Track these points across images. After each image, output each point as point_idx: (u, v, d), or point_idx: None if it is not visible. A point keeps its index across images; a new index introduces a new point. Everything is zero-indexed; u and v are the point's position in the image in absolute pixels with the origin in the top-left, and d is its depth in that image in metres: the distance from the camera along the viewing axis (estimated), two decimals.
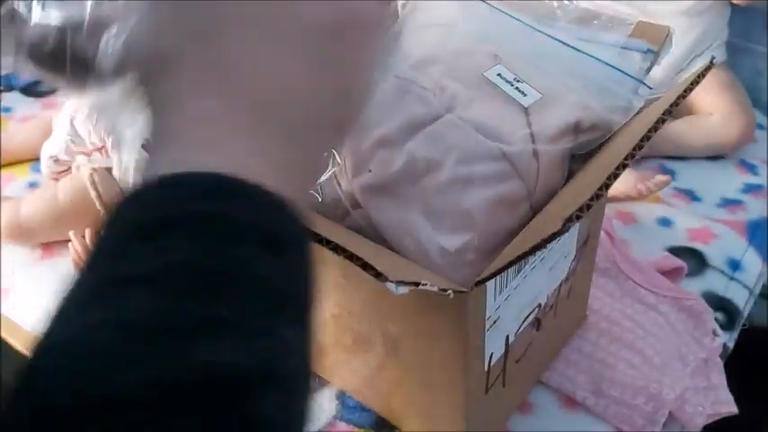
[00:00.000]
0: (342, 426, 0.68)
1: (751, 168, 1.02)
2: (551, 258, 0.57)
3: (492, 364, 0.56)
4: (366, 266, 0.43)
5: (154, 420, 0.19)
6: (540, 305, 0.59)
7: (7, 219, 0.85)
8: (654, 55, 0.59)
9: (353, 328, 0.60)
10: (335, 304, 0.60)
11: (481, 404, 0.59)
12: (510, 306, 0.54)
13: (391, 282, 0.42)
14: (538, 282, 0.57)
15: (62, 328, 0.22)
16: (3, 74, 1.20)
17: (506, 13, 0.63)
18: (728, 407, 0.69)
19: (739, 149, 1.03)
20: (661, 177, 0.93)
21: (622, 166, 0.42)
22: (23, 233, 0.86)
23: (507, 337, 0.56)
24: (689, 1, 1.02)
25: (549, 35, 0.62)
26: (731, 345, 0.78)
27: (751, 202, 0.95)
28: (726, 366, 0.73)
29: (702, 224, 0.91)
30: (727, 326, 0.79)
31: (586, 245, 0.63)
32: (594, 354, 0.71)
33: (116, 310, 0.21)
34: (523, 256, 0.39)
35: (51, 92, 1.17)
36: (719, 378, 0.71)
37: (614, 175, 0.41)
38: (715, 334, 0.75)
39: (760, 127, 1.07)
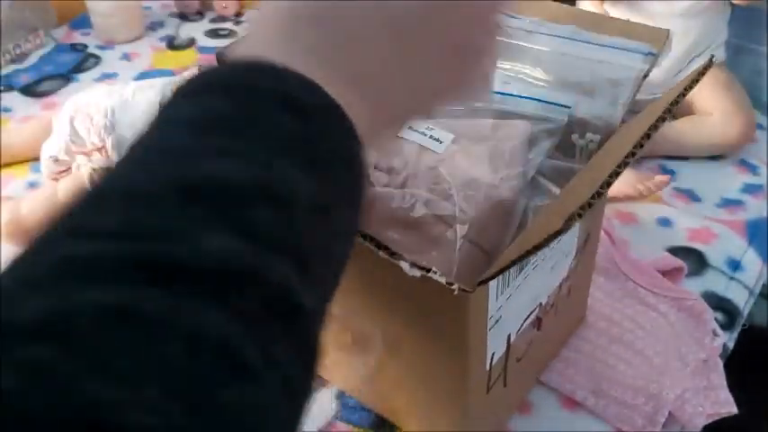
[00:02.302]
0: (342, 426, 0.68)
1: (751, 168, 1.02)
2: (552, 257, 0.57)
3: (493, 363, 0.56)
4: (380, 246, 0.43)
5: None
6: (540, 304, 0.59)
7: (7, 219, 0.85)
8: (654, 57, 0.59)
9: (354, 328, 0.60)
10: (335, 304, 0.60)
11: (482, 404, 0.59)
12: (512, 305, 0.54)
13: (405, 261, 0.42)
14: (539, 281, 0.57)
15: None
16: (3, 74, 1.20)
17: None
18: (728, 407, 0.69)
19: (739, 149, 1.03)
20: (661, 177, 0.93)
21: (623, 165, 0.42)
22: (23, 233, 0.86)
23: (509, 336, 0.56)
24: (688, 1, 1.02)
25: (548, 34, 0.62)
26: (731, 345, 0.78)
27: (751, 202, 0.95)
28: (726, 366, 0.73)
29: (702, 224, 0.91)
30: (727, 326, 0.79)
31: (586, 244, 0.63)
32: (594, 354, 0.71)
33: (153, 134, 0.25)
34: (526, 255, 0.39)
35: (51, 92, 1.17)
36: (719, 378, 0.71)
37: (615, 174, 0.41)
38: (715, 334, 0.75)
39: (760, 127, 1.07)
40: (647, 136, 0.43)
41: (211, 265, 0.21)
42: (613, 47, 0.60)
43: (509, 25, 0.64)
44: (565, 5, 0.65)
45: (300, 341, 0.24)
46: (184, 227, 0.21)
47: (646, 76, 0.59)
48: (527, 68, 0.61)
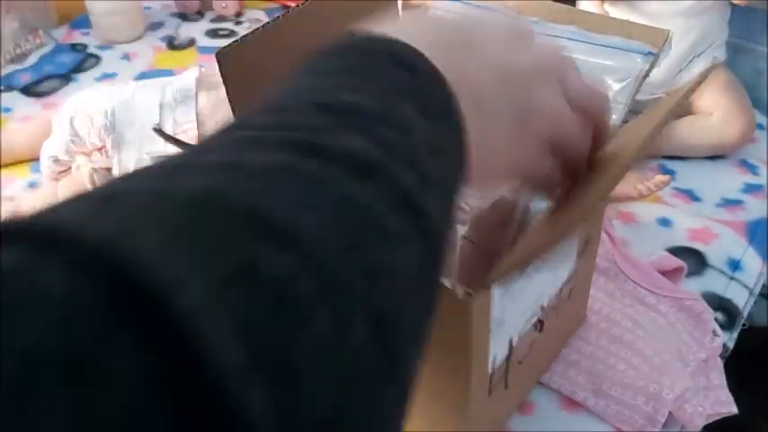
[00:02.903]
0: None
1: (751, 168, 1.02)
2: (554, 260, 0.57)
3: (495, 366, 0.56)
4: None
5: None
6: (542, 307, 0.59)
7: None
8: (654, 57, 0.59)
9: None
10: None
11: (483, 406, 0.59)
12: (514, 308, 0.54)
13: None
14: (541, 283, 0.57)
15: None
16: (3, 74, 1.20)
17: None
18: (728, 407, 0.69)
19: (739, 149, 1.03)
20: (661, 177, 0.93)
21: (626, 168, 0.42)
22: None
23: (511, 339, 0.56)
24: (688, 1, 1.02)
25: (547, 35, 0.62)
26: (731, 345, 0.78)
27: (751, 202, 0.95)
28: (726, 366, 0.73)
29: (702, 224, 0.91)
30: (727, 326, 0.79)
31: (587, 247, 0.63)
32: (594, 354, 0.71)
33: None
34: (530, 258, 0.39)
35: (51, 92, 1.17)
36: (719, 378, 0.71)
37: (619, 177, 0.41)
38: (715, 334, 0.75)
39: (760, 127, 1.07)
40: (652, 138, 0.43)
41: (350, 152, 0.24)
42: (613, 47, 0.60)
43: None
44: (564, 5, 0.65)
45: (425, 233, 0.26)
46: (325, 126, 0.25)
47: (646, 75, 0.59)
48: None
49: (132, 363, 0.15)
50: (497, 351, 0.55)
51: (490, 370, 0.56)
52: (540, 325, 0.61)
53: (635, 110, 0.59)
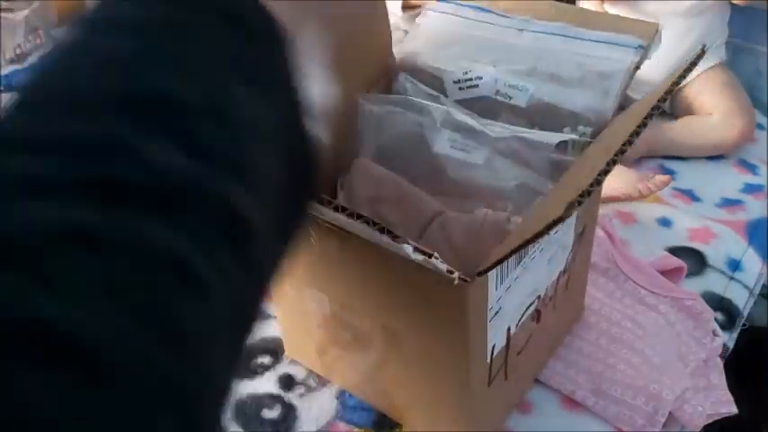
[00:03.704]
0: (342, 426, 0.68)
1: (751, 168, 1.02)
2: (550, 249, 0.57)
3: (494, 355, 0.56)
4: (383, 230, 0.43)
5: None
6: (539, 297, 0.59)
7: None
8: (644, 50, 0.60)
9: (353, 325, 0.60)
10: (335, 301, 0.60)
11: (483, 397, 0.59)
12: (511, 297, 0.54)
13: (408, 245, 0.42)
14: (537, 272, 0.57)
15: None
16: (3, 74, 1.20)
17: (492, 13, 0.64)
18: (728, 407, 0.69)
19: (739, 149, 1.03)
20: (661, 177, 0.93)
21: (620, 152, 0.42)
22: None
23: (509, 328, 0.56)
24: (688, 1, 1.01)
25: (537, 32, 0.62)
26: (731, 345, 0.78)
27: (751, 202, 0.95)
28: (726, 366, 0.73)
29: (702, 224, 0.91)
30: (727, 326, 0.79)
31: (583, 236, 0.63)
32: (594, 354, 0.71)
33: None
34: (525, 244, 0.39)
35: None
36: (719, 378, 0.71)
37: (613, 162, 0.42)
38: (715, 334, 0.75)
39: (760, 127, 1.07)
40: (644, 123, 0.44)
41: (155, 181, 0.20)
42: (602, 41, 0.60)
43: (499, 24, 0.64)
44: (557, 3, 0.65)
45: (248, 258, 0.23)
46: (127, 141, 0.21)
47: (637, 68, 0.59)
48: (518, 66, 0.62)
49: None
50: (496, 341, 0.55)
51: (489, 360, 0.56)
52: (537, 315, 0.61)
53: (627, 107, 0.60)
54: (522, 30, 0.63)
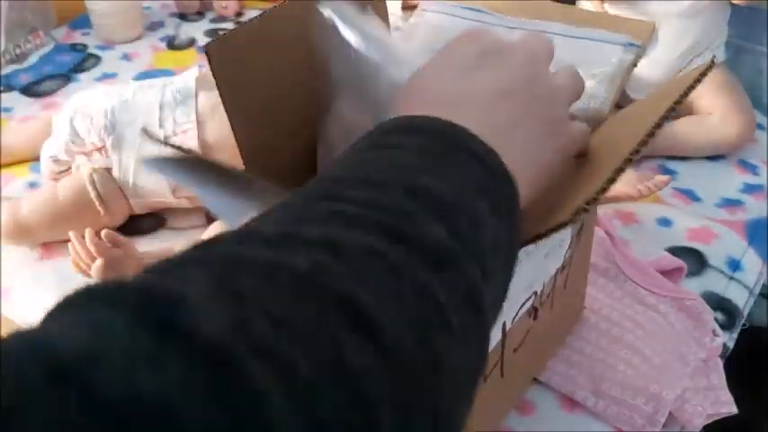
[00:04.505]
0: None
1: (751, 168, 1.02)
2: (546, 245, 0.57)
3: (489, 350, 0.56)
4: None
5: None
6: (536, 293, 0.59)
7: (7, 219, 0.85)
8: (638, 48, 0.59)
9: None
10: None
11: (479, 394, 0.59)
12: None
13: None
14: (533, 268, 0.57)
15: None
16: (3, 74, 1.20)
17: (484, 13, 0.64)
18: (728, 407, 0.69)
19: (739, 149, 1.03)
20: (661, 177, 0.93)
21: (627, 162, 0.42)
22: (23, 233, 0.86)
23: (504, 324, 0.56)
24: (688, 1, 1.01)
25: (526, 29, 0.63)
26: (731, 345, 0.78)
27: (751, 203, 0.95)
28: (726, 366, 0.73)
29: (702, 224, 0.91)
30: (727, 326, 0.79)
31: (581, 234, 0.63)
32: (595, 354, 0.71)
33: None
34: (526, 244, 0.39)
35: (51, 92, 1.17)
36: (719, 378, 0.71)
37: (620, 170, 0.41)
38: (715, 334, 0.75)
39: (760, 127, 1.07)
40: (652, 134, 0.43)
41: (430, 243, 0.27)
42: (594, 39, 0.60)
43: (488, 22, 0.64)
44: (550, 3, 0.65)
45: (480, 331, 0.29)
46: (412, 210, 0.27)
47: (633, 66, 0.59)
48: None
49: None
50: (491, 335, 0.55)
51: None
52: (534, 312, 0.61)
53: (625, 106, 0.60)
54: (513, 28, 0.63)
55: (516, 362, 0.62)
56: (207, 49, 0.50)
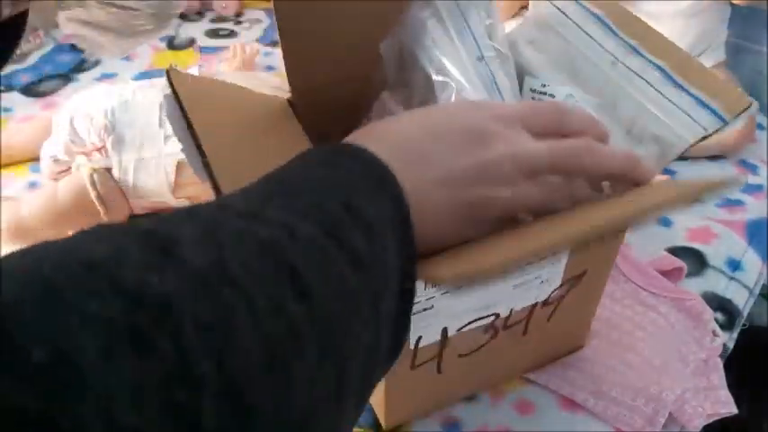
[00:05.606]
0: None
1: (751, 168, 1.02)
2: (517, 277, 0.56)
3: (420, 345, 0.56)
4: None
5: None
6: (496, 314, 0.59)
7: (7, 219, 0.85)
8: (723, 124, 0.57)
9: None
10: None
11: (406, 378, 0.60)
12: (450, 303, 0.54)
13: None
14: (493, 292, 0.56)
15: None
16: (3, 74, 1.20)
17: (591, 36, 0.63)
18: (728, 407, 0.69)
19: (739, 149, 1.03)
20: (661, 177, 0.93)
21: (625, 225, 0.41)
22: (23, 233, 0.86)
23: (445, 329, 0.56)
24: (688, 0, 1.01)
25: (630, 68, 0.61)
26: (731, 345, 0.78)
27: (751, 202, 0.95)
28: (726, 366, 0.73)
29: (702, 224, 0.91)
30: (727, 326, 0.79)
31: (583, 278, 0.62)
32: (594, 355, 0.71)
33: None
34: (494, 271, 0.36)
35: (51, 92, 1.17)
36: (719, 378, 0.71)
37: (599, 237, 0.39)
38: (715, 334, 0.75)
39: (760, 127, 1.07)
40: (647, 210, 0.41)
41: (354, 247, 0.33)
42: (693, 97, 0.58)
43: (603, 46, 0.63)
44: (671, 43, 0.62)
45: (379, 322, 0.34)
46: (341, 220, 0.33)
47: (703, 139, 0.59)
48: (594, 98, 0.62)
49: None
50: (423, 333, 0.55)
51: (412, 346, 0.56)
52: (493, 332, 0.60)
53: None
54: (616, 62, 0.62)
55: (463, 365, 0.62)
56: (168, 72, 0.50)
